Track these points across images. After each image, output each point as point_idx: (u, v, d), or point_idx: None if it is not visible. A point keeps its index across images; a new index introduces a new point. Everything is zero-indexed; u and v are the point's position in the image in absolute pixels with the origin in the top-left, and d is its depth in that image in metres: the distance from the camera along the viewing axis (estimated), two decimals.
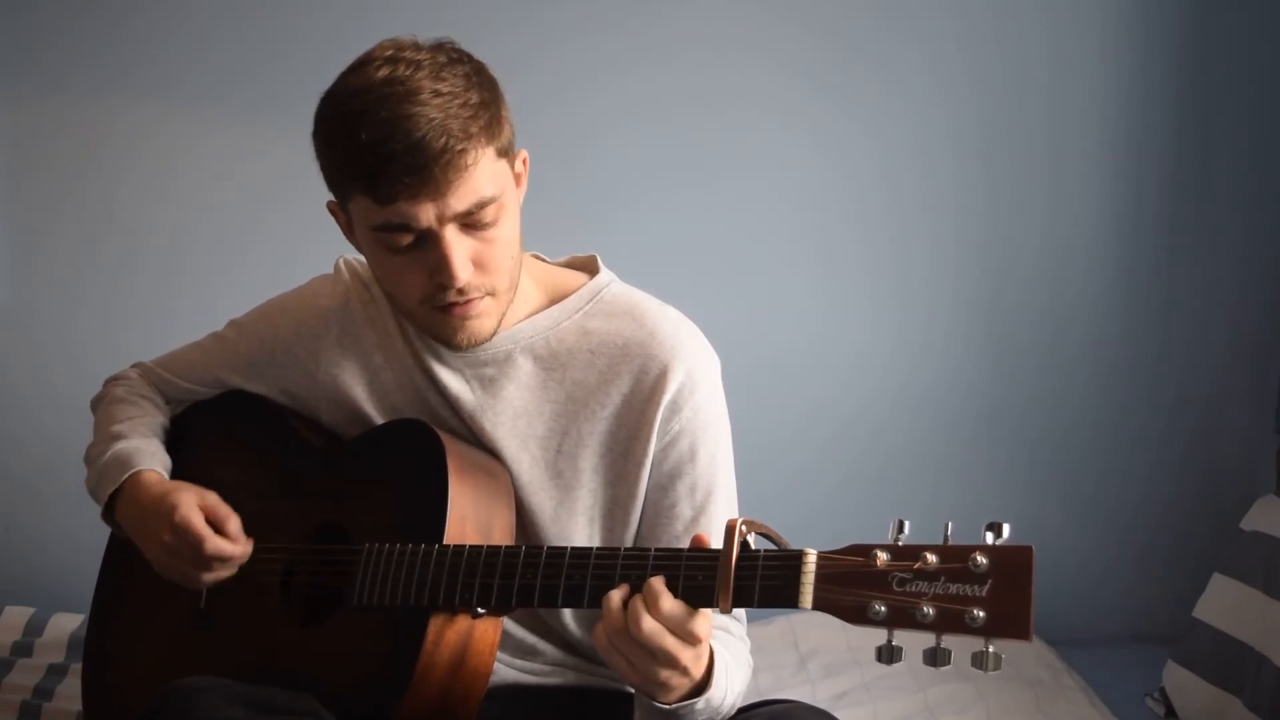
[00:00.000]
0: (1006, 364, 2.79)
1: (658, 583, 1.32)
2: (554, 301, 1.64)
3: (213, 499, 1.61)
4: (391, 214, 1.45)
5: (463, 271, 1.47)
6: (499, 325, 1.57)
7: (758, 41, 2.72)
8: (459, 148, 1.42)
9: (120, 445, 1.69)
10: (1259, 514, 2.35)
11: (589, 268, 1.69)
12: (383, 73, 1.44)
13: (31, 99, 2.75)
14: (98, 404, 1.84)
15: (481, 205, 1.46)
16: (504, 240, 1.50)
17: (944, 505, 2.70)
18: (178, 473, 1.73)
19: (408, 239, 1.47)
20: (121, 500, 1.66)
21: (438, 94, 1.43)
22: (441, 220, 1.45)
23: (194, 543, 1.56)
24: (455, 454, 1.53)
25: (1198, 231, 2.76)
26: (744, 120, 2.74)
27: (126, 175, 2.77)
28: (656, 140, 2.73)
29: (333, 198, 1.55)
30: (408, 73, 1.44)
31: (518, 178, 1.54)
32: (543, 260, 1.70)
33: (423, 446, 1.54)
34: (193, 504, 1.58)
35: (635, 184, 2.75)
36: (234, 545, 1.58)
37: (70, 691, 2.27)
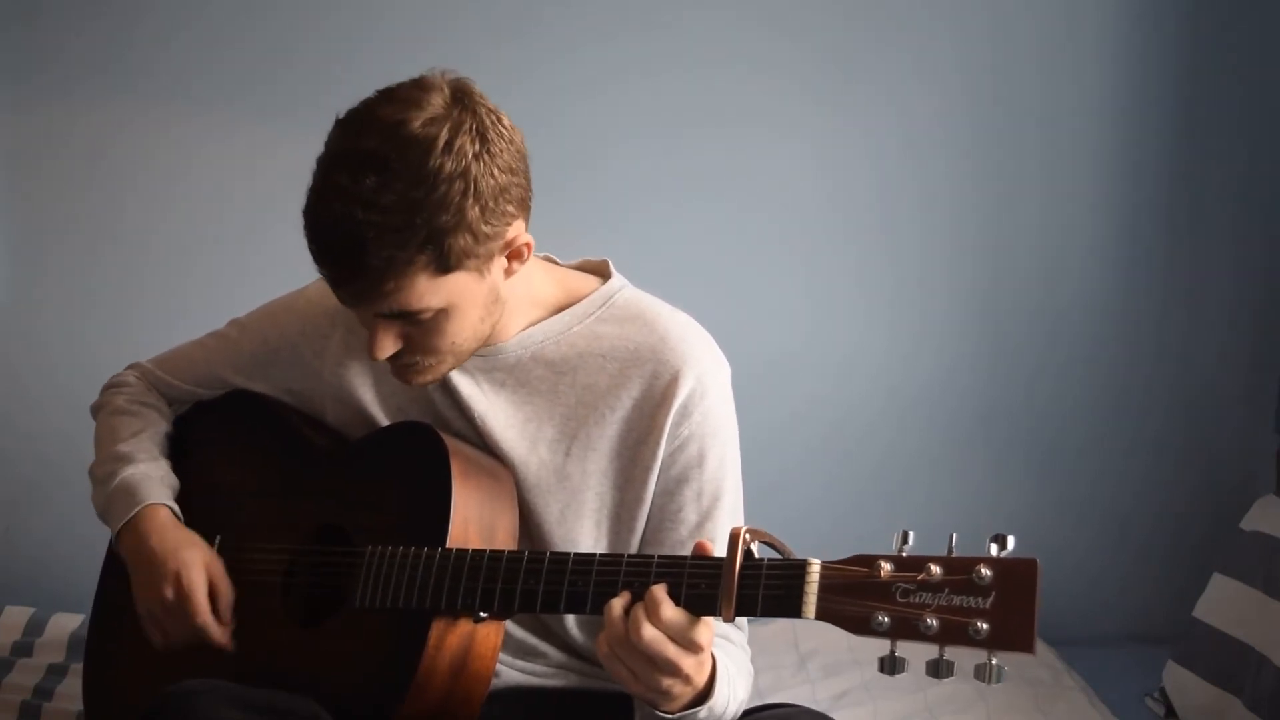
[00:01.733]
0: (1004, 364, 2.79)
1: (659, 591, 1.32)
2: (566, 306, 1.64)
3: (218, 570, 1.63)
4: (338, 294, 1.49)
5: (380, 353, 1.50)
6: (452, 368, 1.57)
7: (748, 48, 2.73)
8: (377, 260, 1.42)
9: (128, 472, 1.69)
10: (1259, 514, 2.35)
11: (601, 271, 1.69)
12: (328, 158, 1.46)
13: (40, 102, 2.76)
14: (98, 413, 1.83)
15: (406, 312, 1.47)
16: (449, 330, 1.51)
17: (944, 506, 2.74)
18: (181, 474, 1.74)
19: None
20: (127, 533, 1.66)
21: (370, 215, 1.41)
22: (372, 316, 1.49)
23: (190, 612, 1.59)
24: (459, 457, 1.53)
25: (1195, 231, 2.76)
26: (739, 125, 2.74)
27: (134, 178, 2.78)
28: (654, 144, 2.74)
29: None
30: (348, 182, 1.42)
31: (507, 270, 1.52)
32: (555, 262, 1.70)
33: (426, 449, 1.54)
34: (201, 567, 1.61)
35: (633, 186, 2.75)
36: (219, 628, 1.61)
37: (70, 691, 2.27)
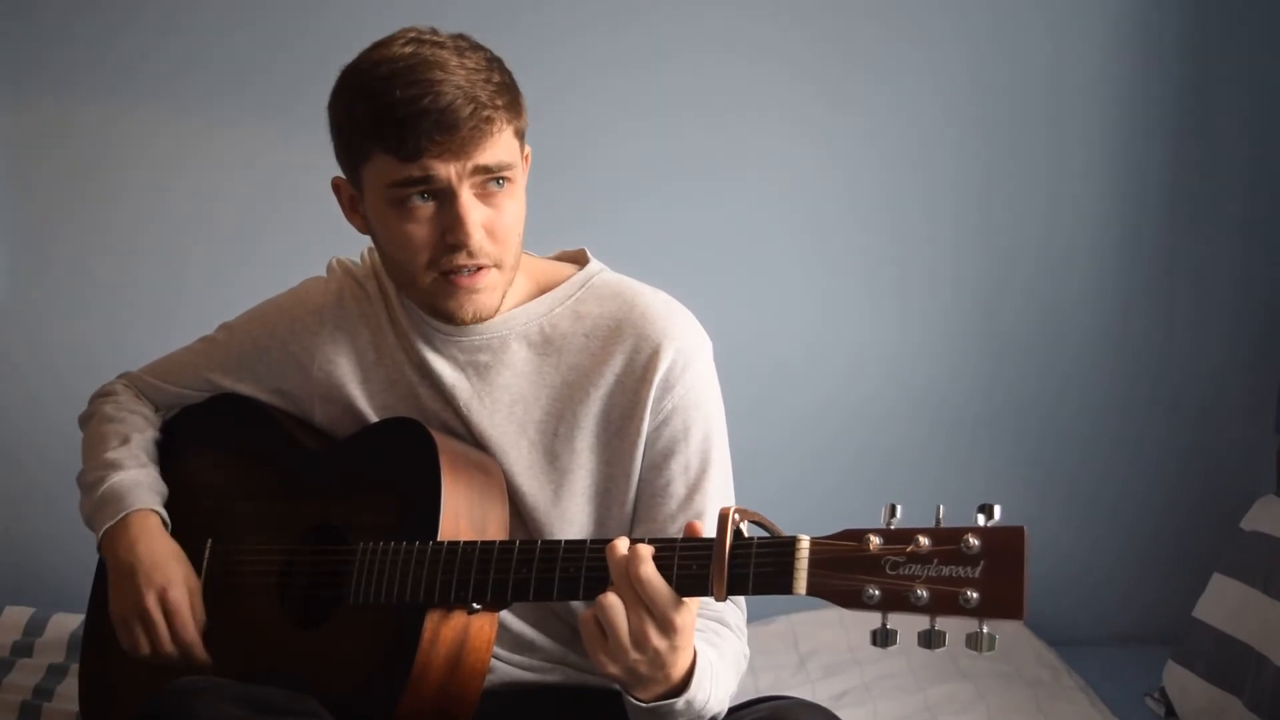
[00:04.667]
0: (1006, 364, 2.79)
1: (645, 549, 1.33)
2: (545, 290, 1.66)
3: (195, 588, 1.64)
4: (415, 169, 1.48)
5: (476, 231, 1.51)
6: (501, 303, 1.59)
7: (755, 41, 2.73)
8: (485, 114, 1.48)
9: (116, 478, 1.69)
10: (1259, 514, 2.35)
11: (578, 259, 1.72)
12: (408, 49, 1.50)
13: (35, 102, 2.77)
14: (86, 422, 1.84)
15: (501, 168, 1.51)
16: (513, 214, 1.55)
17: (944, 506, 2.71)
18: (170, 478, 1.74)
19: (425, 198, 1.50)
20: (112, 536, 1.67)
21: (464, 67, 1.49)
22: (461, 178, 1.49)
23: (175, 627, 1.60)
24: (448, 452, 1.53)
25: (1197, 231, 2.76)
26: (742, 120, 2.75)
27: (131, 174, 2.79)
28: (655, 141, 2.74)
29: (339, 173, 1.58)
30: (432, 50, 1.49)
31: (525, 159, 1.59)
32: (532, 256, 1.71)
33: (415, 445, 1.54)
34: (184, 585, 1.62)
35: (634, 185, 2.76)
36: (199, 649, 1.61)
37: (70, 691, 2.27)
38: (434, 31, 1.54)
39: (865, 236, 2.78)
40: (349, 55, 1.56)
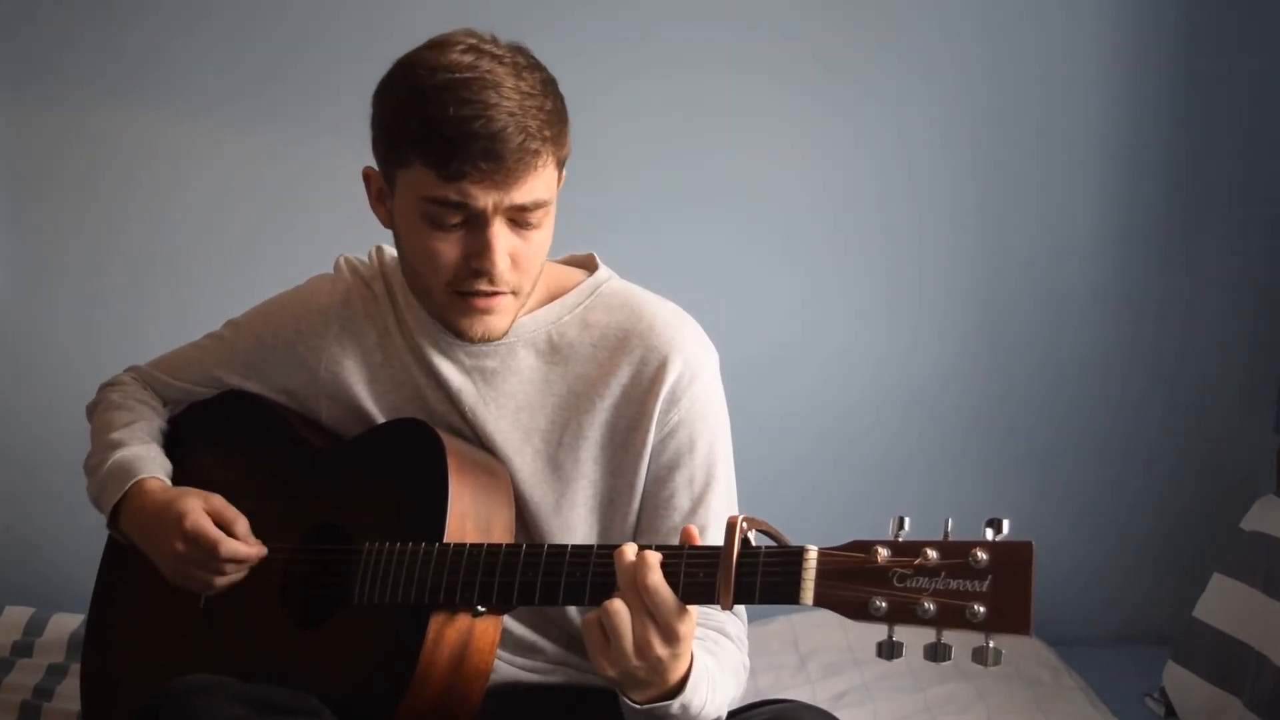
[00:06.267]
0: (1003, 363, 2.79)
1: (653, 557, 1.33)
2: (554, 297, 1.66)
3: (219, 502, 1.62)
4: (452, 191, 1.47)
5: (502, 260, 1.50)
6: (511, 325, 1.59)
7: (745, 51, 2.74)
8: (534, 147, 1.46)
9: (119, 454, 1.69)
10: (1259, 514, 2.35)
11: (587, 265, 1.71)
12: (467, 58, 1.47)
13: (42, 108, 2.77)
14: (93, 411, 1.84)
15: (537, 205, 1.49)
16: (540, 244, 1.54)
17: (942, 507, 2.70)
18: (177, 474, 1.73)
19: (456, 219, 1.49)
20: (125, 510, 1.66)
21: (519, 91, 1.46)
22: (497, 209, 1.48)
23: (207, 548, 1.57)
24: (455, 453, 1.53)
25: (1194, 231, 2.76)
26: (735, 127, 2.75)
27: (141, 180, 2.80)
28: (650, 146, 2.74)
29: (373, 164, 1.57)
30: (490, 65, 1.47)
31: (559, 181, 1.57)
32: None
33: (422, 446, 1.54)
34: (200, 509, 1.59)
35: (631, 188, 2.75)
36: (248, 547, 1.59)
37: (70, 691, 2.27)
38: (494, 41, 1.52)
39: (859, 239, 2.78)
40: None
